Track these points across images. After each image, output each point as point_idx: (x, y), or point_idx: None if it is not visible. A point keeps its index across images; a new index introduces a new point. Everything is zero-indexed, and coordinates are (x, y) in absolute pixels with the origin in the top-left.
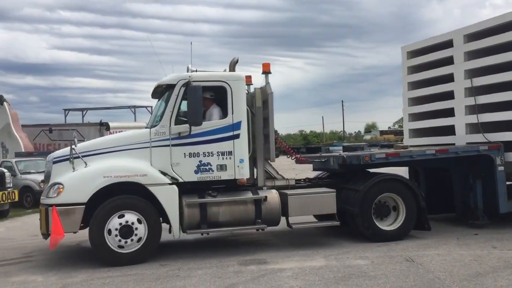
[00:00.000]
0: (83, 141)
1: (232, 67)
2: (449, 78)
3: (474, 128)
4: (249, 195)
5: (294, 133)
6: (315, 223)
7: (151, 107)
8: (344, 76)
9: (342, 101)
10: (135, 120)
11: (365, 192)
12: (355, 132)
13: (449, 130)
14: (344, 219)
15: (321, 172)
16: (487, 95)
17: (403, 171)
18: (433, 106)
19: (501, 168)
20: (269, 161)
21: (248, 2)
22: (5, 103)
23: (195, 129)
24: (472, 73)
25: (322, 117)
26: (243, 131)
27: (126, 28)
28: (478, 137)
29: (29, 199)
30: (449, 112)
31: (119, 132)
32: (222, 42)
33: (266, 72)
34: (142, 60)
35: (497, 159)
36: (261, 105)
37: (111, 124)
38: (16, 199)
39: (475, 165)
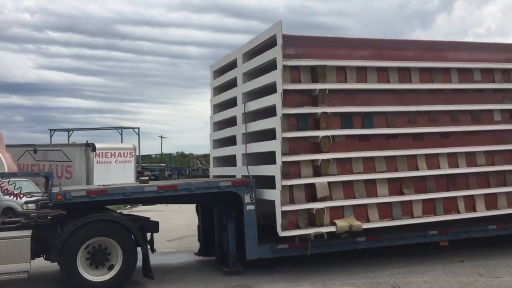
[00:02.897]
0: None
1: None
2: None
3: (249, 159)
4: None
5: None
6: None
7: (138, 128)
8: None
9: None
10: (121, 141)
11: (67, 237)
12: None
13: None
14: None
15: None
16: (253, 122)
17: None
18: (223, 133)
19: (250, 207)
20: None
21: (236, 27)
22: None
23: None
24: (248, 97)
25: None
26: None
27: (114, 50)
28: (254, 169)
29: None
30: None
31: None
32: (210, 64)
33: None
34: (129, 81)
35: (246, 196)
36: None
37: (97, 145)
38: None
39: (229, 203)
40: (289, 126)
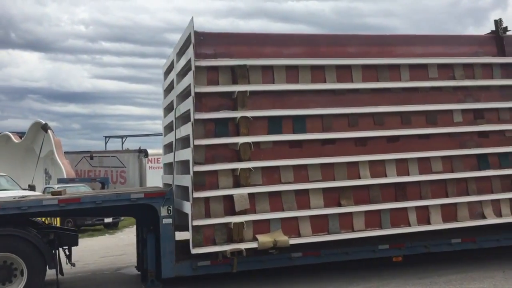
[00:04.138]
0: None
1: None
2: None
3: (182, 167)
4: None
5: None
6: None
7: None
8: None
9: None
10: None
11: None
12: None
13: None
14: None
15: None
16: (183, 126)
17: None
18: (167, 138)
19: (167, 220)
20: None
21: (283, 31)
22: (49, 131)
23: None
24: (180, 100)
25: None
26: None
27: (164, 58)
28: (178, 179)
29: (70, 224)
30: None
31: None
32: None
33: None
34: None
35: (162, 209)
36: None
37: (149, 151)
38: (58, 224)
39: (148, 215)
40: (205, 132)
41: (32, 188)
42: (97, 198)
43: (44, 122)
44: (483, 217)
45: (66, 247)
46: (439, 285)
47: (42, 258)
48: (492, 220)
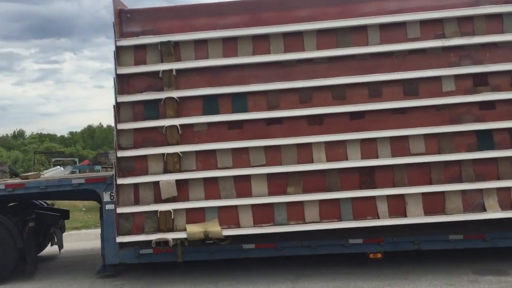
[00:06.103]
0: None
1: None
2: None
3: None
4: None
5: None
6: None
7: None
8: None
9: None
10: None
11: None
12: None
13: None
14: None
15: None
16: None
17: None
18: None
19: (110, 206)
20: None
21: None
22: None
23: None
24: None
25: None
26: None
27: None
28: None
29: None
30: None
31: None
32: None
33: None
34: None
35: (105, 195)
36: None
37: None
38: None
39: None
40: (134, 115)
41: None
42: (41, 183)
43: None
44: (483, 209)
45: (58, 227)
46: None
47: (13, 239)
48: (494, 214)
